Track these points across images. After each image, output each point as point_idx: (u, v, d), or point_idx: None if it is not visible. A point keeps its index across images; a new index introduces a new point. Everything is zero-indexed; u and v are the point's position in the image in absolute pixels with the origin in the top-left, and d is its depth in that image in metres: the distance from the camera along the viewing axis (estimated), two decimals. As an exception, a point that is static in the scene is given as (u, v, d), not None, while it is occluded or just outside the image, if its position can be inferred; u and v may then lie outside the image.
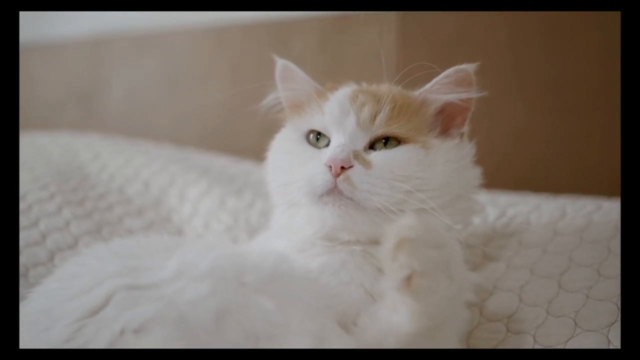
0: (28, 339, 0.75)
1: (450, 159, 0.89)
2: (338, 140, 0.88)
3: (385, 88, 0.92)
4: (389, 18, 1.52)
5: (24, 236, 1.09)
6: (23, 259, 1.05)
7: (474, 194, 0.95)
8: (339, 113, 0.89)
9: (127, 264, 0.78)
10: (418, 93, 0.92)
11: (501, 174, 1.44)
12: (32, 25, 2.01)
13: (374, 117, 0.88)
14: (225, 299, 0.74)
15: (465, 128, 0.93)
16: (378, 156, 0.87)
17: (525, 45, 1.43)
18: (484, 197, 1.18)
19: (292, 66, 0.98)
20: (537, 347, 0.87)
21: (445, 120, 0.92)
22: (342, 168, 0.84)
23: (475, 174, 0.93)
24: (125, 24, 1.87)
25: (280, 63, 0.98)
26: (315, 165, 0.87)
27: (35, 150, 1.41)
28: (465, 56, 1.46)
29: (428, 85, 0.91)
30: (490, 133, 1.47)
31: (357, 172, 0.84)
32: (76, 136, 1.55)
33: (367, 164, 0.85)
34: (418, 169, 0.86)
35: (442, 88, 0.90)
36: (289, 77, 0.98)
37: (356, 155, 0.86)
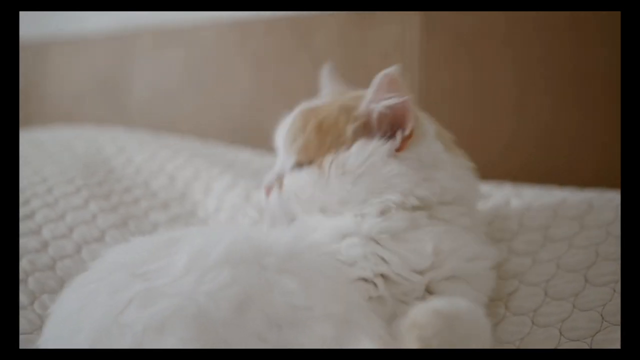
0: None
1: (348, 170, 0.89)
2: (277, 163, 0.97)
3: (334, 105, 0.94)
4: (412, 12, 1.52)
5: (51, 229, 1.10)
6: (50, 251, 1.06)
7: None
8: (278, 135, 0.98)
9: (134, 272, 0.77)
10: (363, 103, 0.91)
11: (528, 168, 1.44)
12: (56, 20, 2.03)
13: (294, 142, 0.93)
14: (247, 286, 0.74)
15: (409, 129, 0.89)
16: (288, 179, 0.94)
17: (553, 38, 1.42)
18: (509, 191, 1.18)
19: (326, 73, 1.06)
20: (563, 340, 0.86)
21: (393, 123, 0.90)
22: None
23: (389, 169, 0.89)
24: (149, 18, 1.88)
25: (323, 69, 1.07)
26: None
27: (61, 143, 1.43)
28: (491, 50, 1.47)
29: (371, 90, 0.90)
30: (517, 127, 1.47)
31: (274, 194, 0.95)
32: (101, 130, 1.57)
33: (282, 186, 0.95)
34: (316, 188, 0.91)
35: (375, 97, 0.89)
36: (322, 84, 1.07)
37: (279, 177, 0.95)
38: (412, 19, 1.52)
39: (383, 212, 0.88)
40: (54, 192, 1.20)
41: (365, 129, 0.91)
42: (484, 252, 0.92)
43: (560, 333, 0.87)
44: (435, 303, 0.75)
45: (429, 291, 0.87)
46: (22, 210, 1.13)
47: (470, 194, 0.97)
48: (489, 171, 1.35)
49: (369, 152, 0.89)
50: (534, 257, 1.00)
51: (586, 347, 0.85)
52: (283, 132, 0.96)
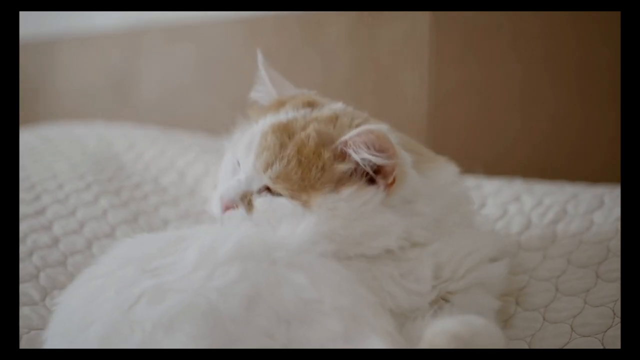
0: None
1: (338, 215, 0.84)
2: (237, 177, 0.89)
3: (309, 128, 0.87)
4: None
5: (62, 225, 1.11)
6: (61, 247, 1.07)
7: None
8: (245, 149, 0.89)
9: (144, 268, 0.77)
10: (338, 142, 0.85)
11: (535, 162, 1.44)
12: (66, 17, 2.04)
13: (269, 166, 0.86)
14: (256, 281, 0.74)
15: (391, 178, 0.85)
16: (261, 203, 0.87)
17: (557, 36, 1.42)
18: (520, 187, 1.18)
19: (263, 67, 0.98)
20: (574, 336, 0.86)
21: (375, 169, 0.85)
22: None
23: (383, 218, 0.85)
24: (159, 14, 1.88)
25: (259, 59, 0.98)
26: (218, 192, 0.90)
27: (72, 140, 1.44)
28: (498, 48, 1.47)
29: (344, 137, 0.85)
30: (523, 123, 1.47)
31: (238, 215, 0.87)
32: (111, 126, 1.57)
33: (250, 208, 0.87)
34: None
35: (353, 145, 0.84)
36: (260, 77, 0.99)
37: (245, 197, 0.87)
38: (422, 16, 1.52)
39: (388, 252, 0.86)
40: (65, 188, 1.20)
41: (349, 169, 0.85)
42: (494, 248, 0.92)
43: (572, 329, 0.87)
44: (451, 325, 0.75)
45: (444, 299, 0.87)
46: (33, 206, 1.14)
47: (456, 194, 0.93)
48: (496, 165, 1.35)
49: (362, 201, 0.84)
50: (544, 252, 1.00)
51: (598, 342, 0.85)
52: (250, 147, 0.89)
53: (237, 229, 0.81)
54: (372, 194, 0.85)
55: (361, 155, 0.83)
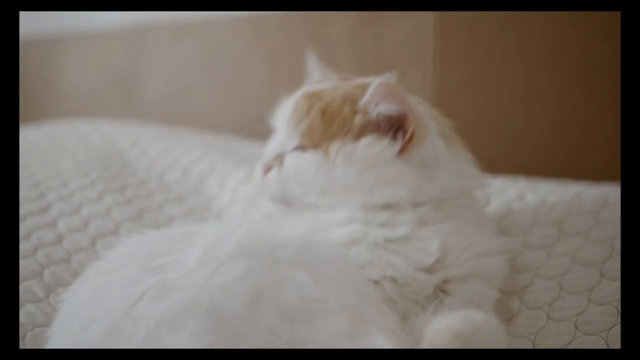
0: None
1: (354, 161, 0.89)
2: (275, 142, 0.96)
3: (337, 91, 0.92)
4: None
5: (66, 222, 1.11)
6: (66, 244, 1.07)
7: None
8: (281, 116, 0.96)
9: (148, 265, 0.78)
10: (361, 102, 0.90)
11: (536, 160, 1.44)
12: (71, 15, 2.04)
13: (298, 125, 0.92)
14: (260, 279, 0.74)
15: (409, 133, 0.89)
16: (289, 158, 0.93)
17: (559, 35, 1.43)
18: (524, 185, 1.18)
19: (312, 62, 1.05)
20: (578, 335, 0.86)
21: (394, 124, 0.90)
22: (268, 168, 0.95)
23: (396, 170, 0.90)
24: (164, 12, 1.88)
25: (309, 56, 1.05)
26: (260, 162, 0.97)
27: (76, 137, 1.43)
28: (501, 46, 1.47)
29: (365, 97, 0.90)
30: (526, 121, 1.47)
31: (273, 173, 0.94)
32: (115, 124, 1.57)
33: (282, 165, 0.94)
34: (319, 172, 0.90)
35: (371, 100, 0.90)
36: (309, 72, 1.05)
37: (279, 156, 0.94)
38: (425, 16, 1.52)
39: (390, 207, 0.89)
40: (69, 186, 1.21)
41: (371, 123, 0.90)
42: (497, 245, 0.93)
43: (576, 327, 0.87)
44: (451, 322, 0.75)
45: (442, 290, 0.87)
46: (38, 204, 1.14)
47: (471, 187, 0.97)
48: (499, 164, 1.36)
49: (377, 150, 0.89)
50: (548, 251, 0.99)
51: (601, 341, 0.84)
52: (286, 114, 0.95)
53: (241, 227, 0.82)
54: (386, 145, 0.89)
55: (378, 109, 0.89)
